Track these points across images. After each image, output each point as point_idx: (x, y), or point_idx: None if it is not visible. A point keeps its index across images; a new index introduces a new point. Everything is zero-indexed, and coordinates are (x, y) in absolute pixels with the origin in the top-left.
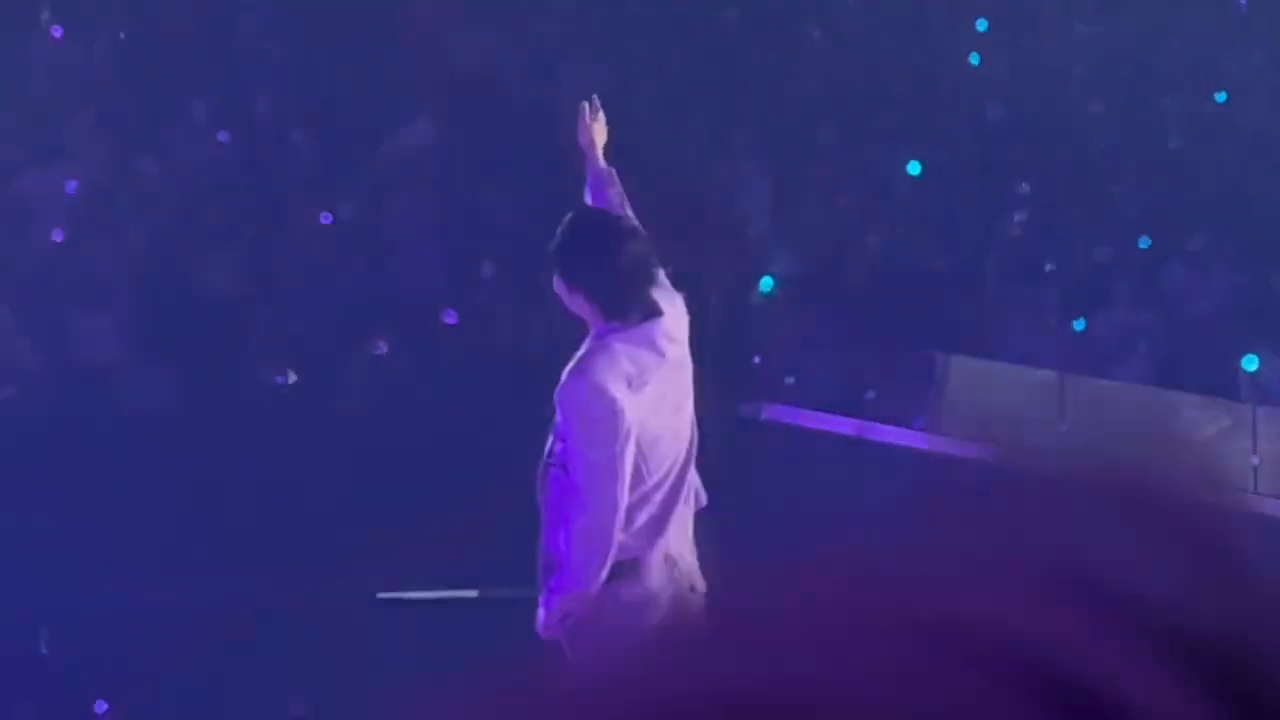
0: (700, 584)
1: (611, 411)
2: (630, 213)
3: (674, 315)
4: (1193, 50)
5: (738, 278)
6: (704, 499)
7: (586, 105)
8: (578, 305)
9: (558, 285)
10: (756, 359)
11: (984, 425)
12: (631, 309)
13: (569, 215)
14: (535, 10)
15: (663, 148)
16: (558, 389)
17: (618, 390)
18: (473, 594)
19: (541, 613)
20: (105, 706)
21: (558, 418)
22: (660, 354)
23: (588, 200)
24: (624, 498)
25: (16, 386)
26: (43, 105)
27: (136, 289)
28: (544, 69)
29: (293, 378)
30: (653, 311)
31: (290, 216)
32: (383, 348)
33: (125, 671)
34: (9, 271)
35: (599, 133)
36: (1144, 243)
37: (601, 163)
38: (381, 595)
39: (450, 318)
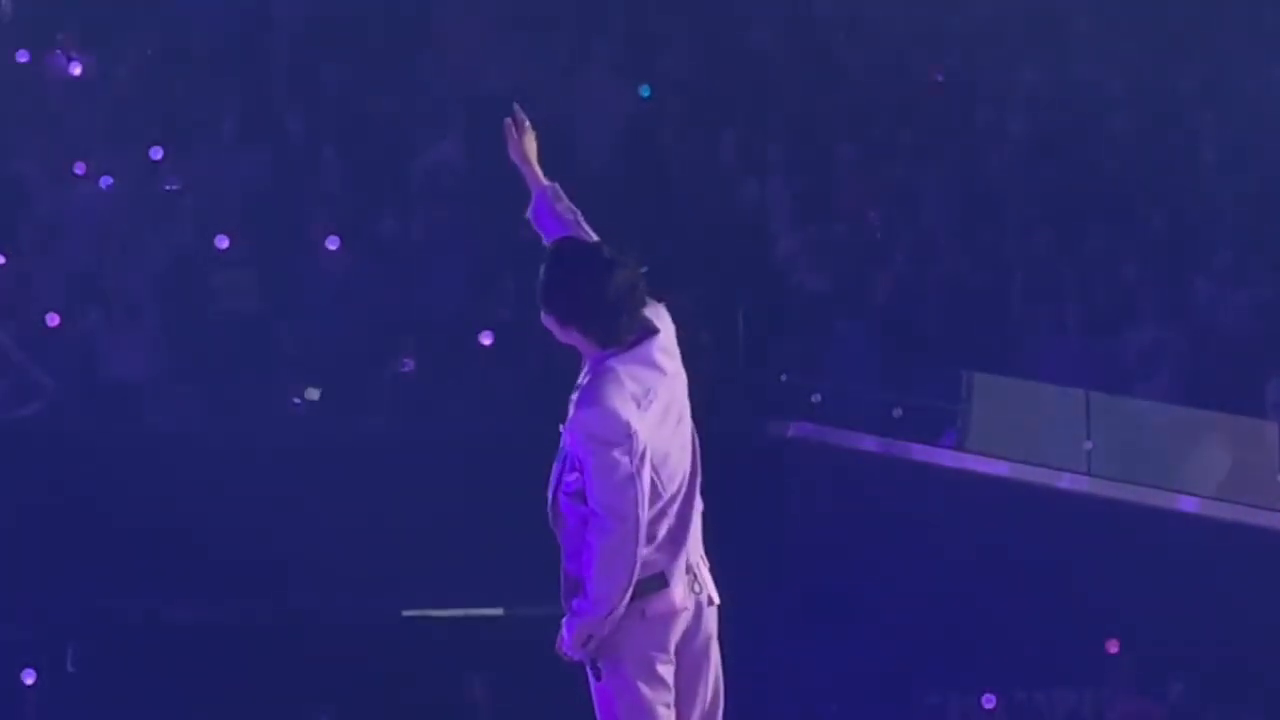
0: (715, 596)
1: (627, 435)
2: (585, 225)
3: (664, 328)
4: (1220, 67)
5: (765, 296)
6: (700, 505)
7: (509, 120)
8: (572, 339)
9: (547, 322)
10: (784, 377)
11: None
12: (626, 334)
13: (548, 251)
14: (563, 28)
15: (690, 165)
16: (569, 422)
17: (629, 413)
18: (498, 611)
19: (565, 635)
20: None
21: (567, 449)
22: (660, 370)
23: (533, 221)
24: (645, 518)
25: (44, 402)
26: (72, 122)
27: (164, 306)
28: (571, 87)
29: (316, 395)
30: (647, 330)
31: (319, 235)
32: (409, 365)
33: (153, 684)
34: (35, 287)
35: (530, 145)
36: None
37: (543, 179)
38: (407, 613)
39: (486, 338)
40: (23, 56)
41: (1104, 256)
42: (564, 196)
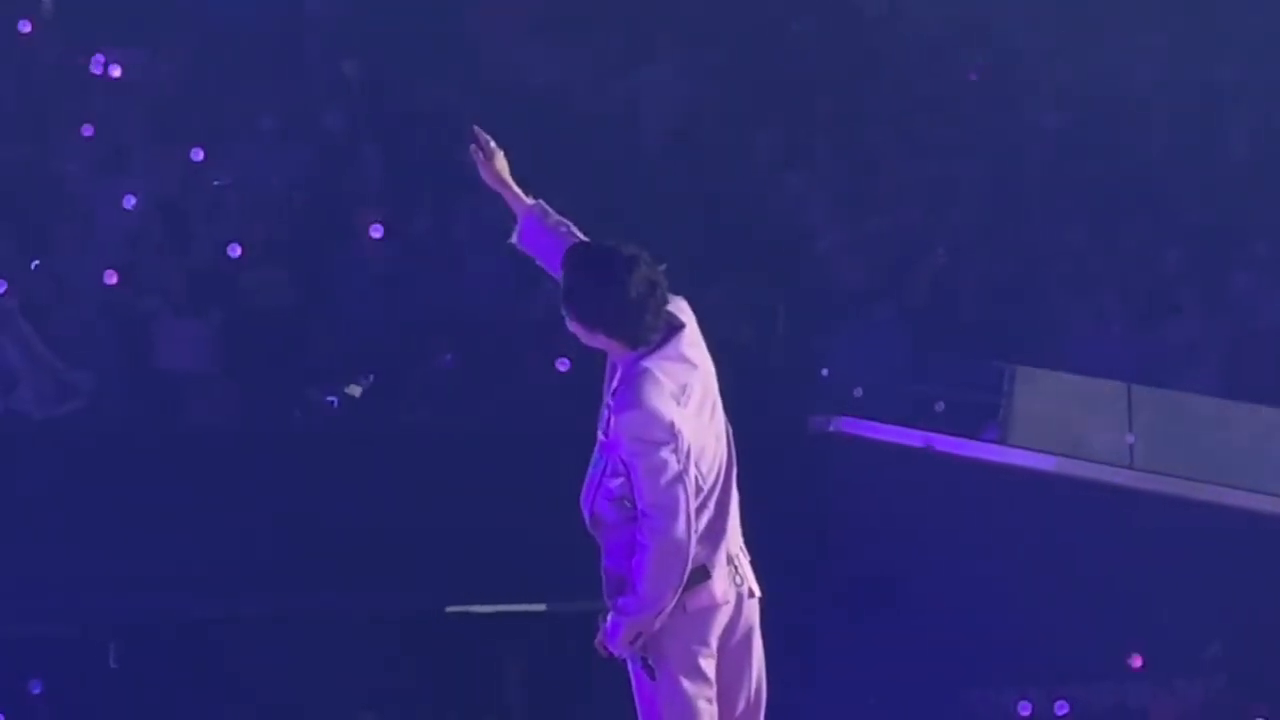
0: (756, 589)
1: (672, 434)
2: (580, 234)
3: (688, 321)
4: (1259, 57)
5: (807, 291)
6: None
7: (474, 147)
8: (599, 343)
9: (573, 327)
10: (825, 371)
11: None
12: (652, 333)
13: (566, 258)
14: (604, 23)
15: (730, 160)
16: (610, 427)
17: (671, 411)
18: (541, 607)
19: (610, 632)
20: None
21: (606, 454)
22: (691, 364)
23: (521, 245)
24: (694, 514)
25: (82, 401)
26: (114, 118)
27: (206, 301)
28: (612, 82)
29: (359, 391)
30: (673, 326)
31: (360, 229)
32: (450, 361)
33: (194, 682)
34: (78, 285)
35: (501, 166)
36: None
37: (526, 199)
38: (450, 609)
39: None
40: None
41: (1144, 249)
42: (551, 212)
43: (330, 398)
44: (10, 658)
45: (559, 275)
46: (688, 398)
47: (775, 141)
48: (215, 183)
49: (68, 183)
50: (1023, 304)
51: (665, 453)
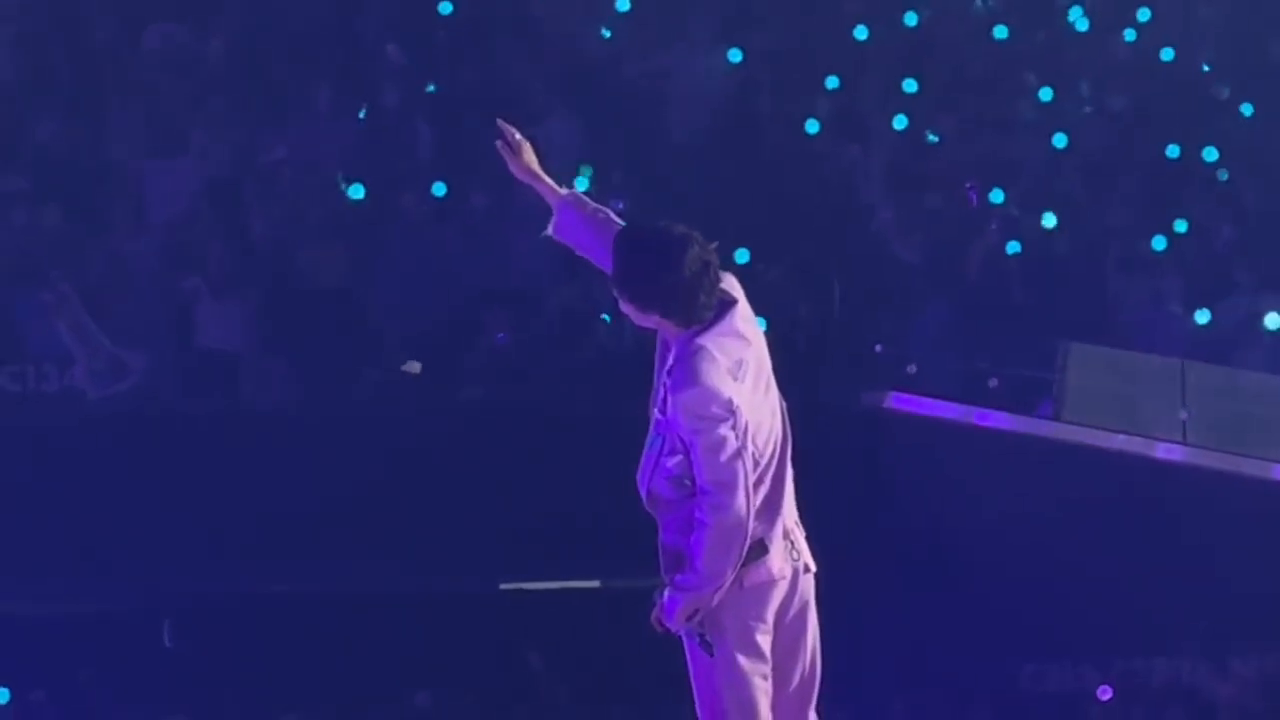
0: (812, 564)
1: (730, 410)
2: (617, 219)
3: (740, 298)
4: None
5: (861, 267)
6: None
7: (500, 143)
8: (652, 322)
9: (626, 309)
10: (878, 348)
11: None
12: (706, 311)
13: (618, 239)
14: None
15: (786, 136)
16: (668, 405)
17: (728, 388)
18: (595, 584)
19: (668, 608)
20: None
21: (664, 433)
22: (745, 340)
23: (558, 236)
24: (752, 490)
25: (133, 380)
26: (168, 96)
27: (260, 279)
28: (667, 57)
29: (417, 368)
30: (727, 302)
31: (415, 207)
32: (504, 337)
33: (248, 661)
34: (129, 263)
35: (530, 158)
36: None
37: (559, 189)
38: (505, 585)
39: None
40: None
41: (1199, 227)
42: (587, 200)
43: (388, 374)
44: (63, 636)
45: (600, 262)
46: (744, 373)
47: (831, 116)
48: (271, 159)
49: (120, 162)
50: (1077, 280)
51: (724, 429)
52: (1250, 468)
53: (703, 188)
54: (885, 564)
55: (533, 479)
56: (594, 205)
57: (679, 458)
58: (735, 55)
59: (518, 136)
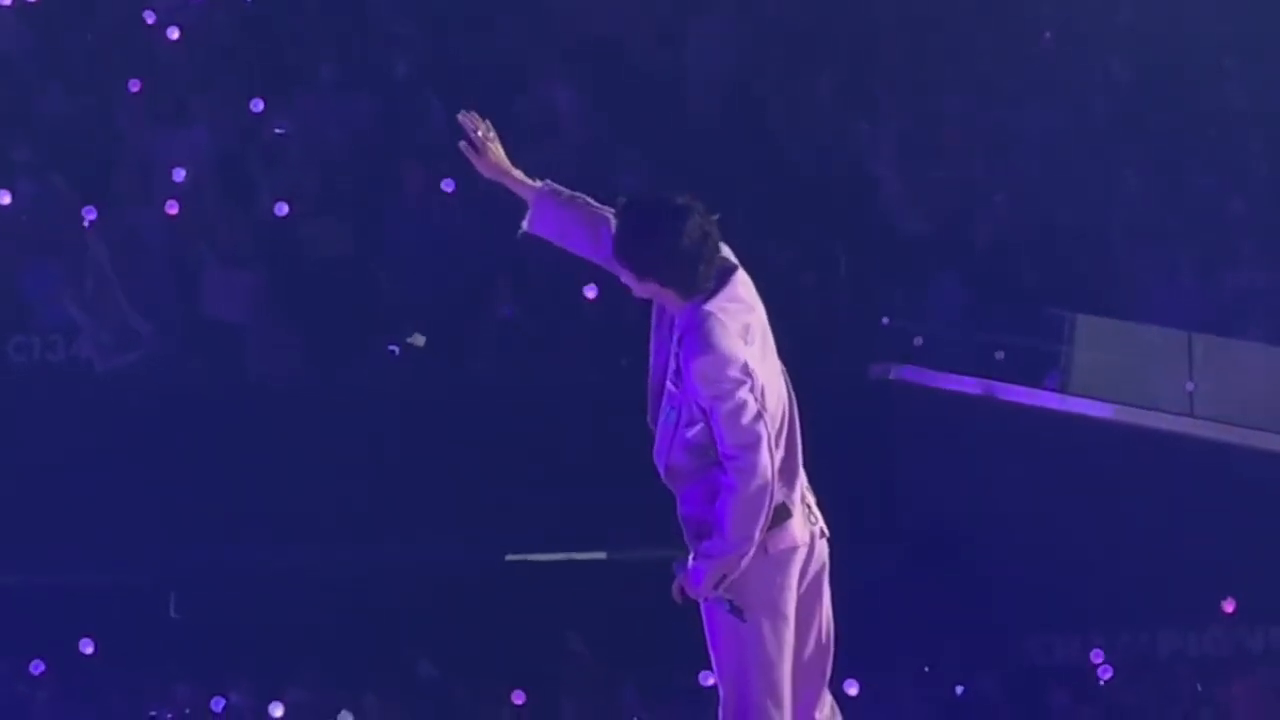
0: (826, 529)
1: (747, 373)
2: (597, 206)
3: (738, 263)
4: None
5: (868, 240)
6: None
7: (463, 143)
8: (650, 292)
9: (626, 279)
10: (885, 320)
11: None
12: (706, 281)
13: (619, 209)
14: None
15: (793, 109)
16: (682, 375)
17: (742, 351)
18: (601, 555)
19: (694, 577)
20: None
21: (680, 403)
22: (748, 305)
23: (536, 232)
24: (773, 451)
25: (142, 351)
26: (176, 68)
27: (267, 253)
28: (673, 32)
29: (421, 341)
30: (727, 269)
31: (423, 183)
32: (509, 312)
33: (254, 631)
34: (138, 236)
35: (498, 154)
36: (1270, 202)
37: (533, 182)
38: (511, 556)
39: (590, 291)
40: None
41: (1207, 199)
42: (562, 189)
43: (392, 347)
44: (70, 607)
45: (581, 251)
46: (752, 337)
47: (839, 89)
48: (276, 130)
49: (128, 134)
50: (1085, 253)
51: (743, 392)
52: (1257, 440)
53: (709, 159)
54: (892, 534)
55: (540, 450)
56: (570, 193)
57: (698, 427)
58: (744, 26)
59: (481, 134)
